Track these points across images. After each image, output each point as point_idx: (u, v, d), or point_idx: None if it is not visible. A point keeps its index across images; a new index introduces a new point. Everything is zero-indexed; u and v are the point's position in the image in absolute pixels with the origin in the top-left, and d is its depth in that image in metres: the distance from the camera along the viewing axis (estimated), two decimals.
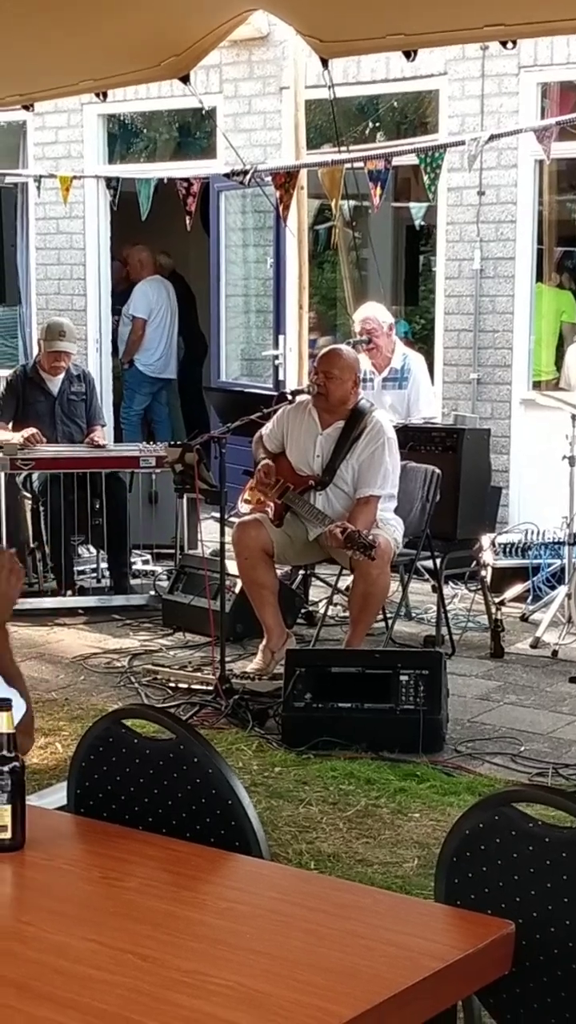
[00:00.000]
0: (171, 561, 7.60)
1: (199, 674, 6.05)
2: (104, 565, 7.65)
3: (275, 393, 7.59)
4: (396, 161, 7.37)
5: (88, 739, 2.58)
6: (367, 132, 10.13)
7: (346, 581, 6.45)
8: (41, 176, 9.33)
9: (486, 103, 8.64)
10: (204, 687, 5.83)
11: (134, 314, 10.88)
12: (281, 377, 9.26)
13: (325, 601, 6.87)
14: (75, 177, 9.17)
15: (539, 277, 9.00)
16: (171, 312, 11.04)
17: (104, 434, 8.03)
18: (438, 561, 6.62)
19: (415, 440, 6.93)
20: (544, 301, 9.08)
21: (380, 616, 6.37)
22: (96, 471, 7.46)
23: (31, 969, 1.90)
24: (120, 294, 11.13)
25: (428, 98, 9.40)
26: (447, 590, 6.98)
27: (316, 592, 7.24)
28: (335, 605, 6.89)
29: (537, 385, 8.84)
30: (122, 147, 11.15)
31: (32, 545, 7.59)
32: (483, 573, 7.01)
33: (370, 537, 5.69)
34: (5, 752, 2.30)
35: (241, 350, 10.19)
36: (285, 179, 7.43)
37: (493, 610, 6.70)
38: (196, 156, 10.74)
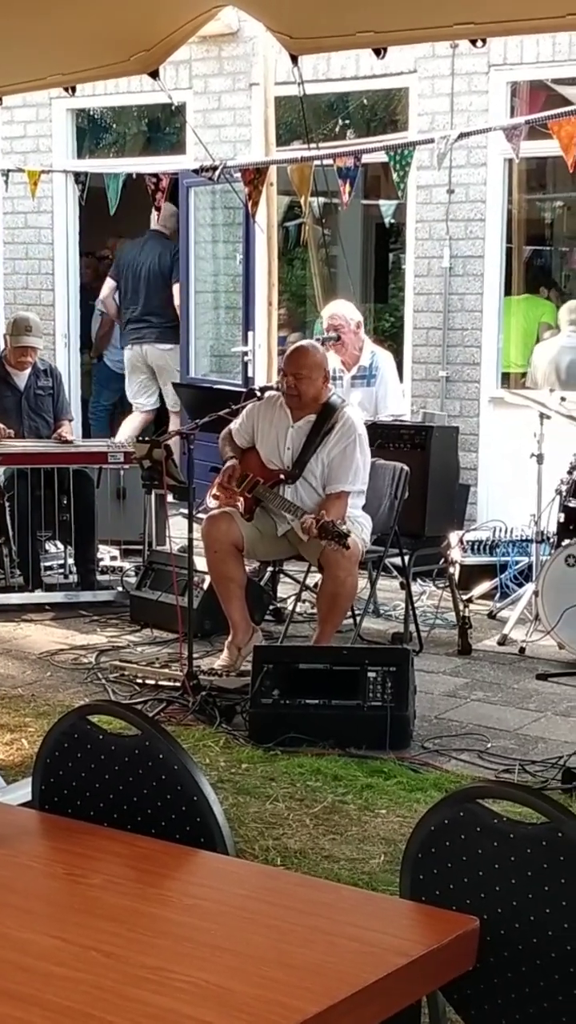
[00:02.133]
0: (139, 557, 7.59)
1: (166, 670, 6.04)
2: (71, 561, 7.62)
3: (244, 389, 7.58)
4: (366, 158, 7.37)
5: (54, 735, 2.57)
6: (337, 129, 10.14)
7: (314, 578, 6.46)
8: (9, 170, 9.29)
9: (456, 101, 8.66)
10: (171, 683, 5.82)
11: (102, 310, 10.85)
12: (250, 374, 9.25)
13: (293, 598, 6.87)
14: (43, 171, 9.14)
15: (508, 276, 9.02)
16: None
17: (72, 429, 8.01)
18: (406, 558, 6.62)
19: (384, 437, 6.94)
20: (523, 307, 9.10)
21: (348, 613, 6.37)
22: (64, 466, 7.43)
23: None
24: (92, 289, 11.10)
25: (398, 96, 9.42)
26: (415, 587, 6.99)
27: (284, 589, 7.24)
28: (303, 602, 6.89)
29: (506, 377, 8.86)
30: (91, 142, 11.13)
31: None
32: (451, 570, 7.03)
33: (344, 526, 5.68)
34: None
35: (210, 346, 10.18)
36: (254, 175, 7.42)
37: (461, 607, 6.71)
38: (165, 151, 10.73)
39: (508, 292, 9.06)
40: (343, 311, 7.69)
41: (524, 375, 8.91)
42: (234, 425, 6.40)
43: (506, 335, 8.94)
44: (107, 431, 10.40)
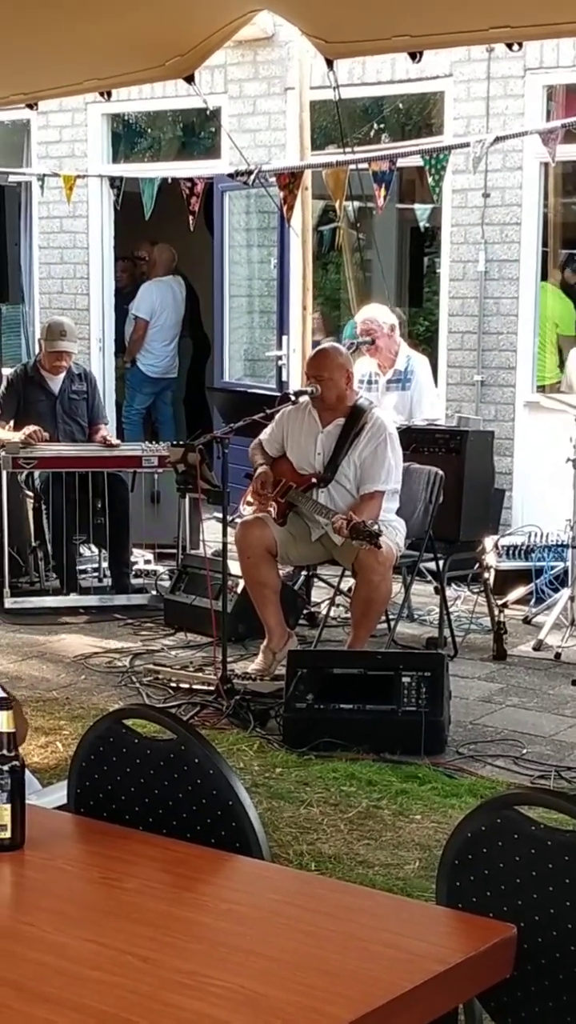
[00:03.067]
0: (173, 561, 7.60)
1: (200, 674, 6.04)
2: (106, 564, 7.64)
3: (278, 394, 7.58)
4: (401, 163, 7.36)
5: (89, 739, 2.57)
6: (372, 133, 10.12)
7: (349, 582, 6.44)
8: (45, 175, 9.33)
9: (491, 105, 8.63)
10: (205, 687, 5.82)
11: (136, 314, 10.89)
12: (284, 378, 9.25)
13: (327, 602, 6.86)
14: (79, 176, 9.17)
15: (544, 279, 8.98)
16: (177, 315, 11.04)
17: (110, 432, 8.03)
18: (441, 563, 6.60)
19: (418, 441, 6.92)
20: (548, 303, 9.06)
21: (382, 618, 6.36)
22: (98, 470, 7.45)
23: (30, 969, 1.89)
24: (127, 294, 11.13)
25: (433, 100, 9.39)
26: (450, 592, 6.97)
27: (318, 593, 7.23)
28: (337, 606, 6.88)
29: (541, 389, 8.83)
30: (126, 146, 11.15)
31: (34, 544, 7.59)
32: (486, 575, 7.00)
33: (375, 527, 5.67)
34: (5, 751, 2.29)
35: (244, 350, 10.19)
36: (289, 180, 7.42)
37: (496, 612, 6.69)
38: (200, 156, 10.74)
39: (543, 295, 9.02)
40: (376, 315, 7.68)
41: (558, 383, 8.87)
42: (264, 435, 6.41)
43: (541, 340, 8.90)
44: (141, 435, 10.42)
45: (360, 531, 5.62)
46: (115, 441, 7.74)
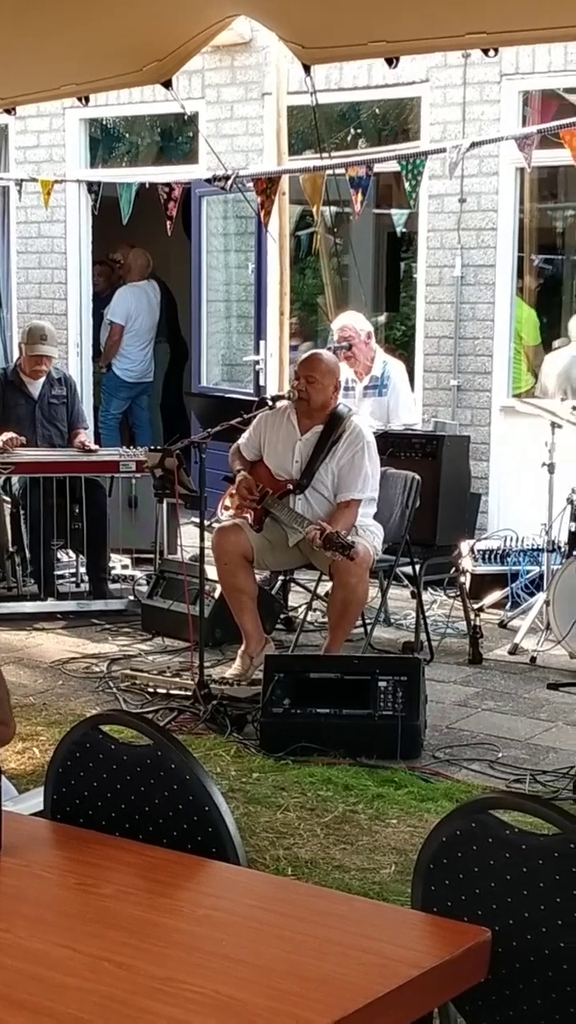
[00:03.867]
0: (150, 566, 7.59)
1: (178, 679, 6.04)
2: (83, 570, 7.63)
3: (256, 399, 7.58)
4: (378, 168, 7.37)
5: (65, 744, 2.57)
6: (349, 139, 10.14)
7: (325, 587, 6.46)
8: (22, 180, 9.31)
9: (468, 111, 8.66)
10: (183, 692, 5.82)
11: (111, 319, 10.88)
12: (262, 383, 9.26)
13: (304, 607, 6.87)
14: (56, 181, 9.15)
15: (520, 285, 9.02)
16: (152, 320, 11.04)
17: (89, 437, 8.03)
18: (417, 567, 6.62)
19: (395, 446, 6.94)
20: (523, 310, 9.10)
21: (359, 622, 6.37)
22: (76, 475, 7.44)
23: (5, 976, 1.89)
24: (105, 298, 11.12)
25: (410, 105, 9.42)
26: (426, 596, 6.98)
27: (295, 598, 7.24)
28: (314, 611, 6.89)
29: (516, 396, 8.85)
30: (104, 151, 11.14)
31: (11, 549, 7.57)
32: (462, 579, 7.02)
33: (348, 538, 5.69)
34: None
35: (222, 355, 10.19)
36: (267, 185, 7.43)
37: (472, 616, 6.71)
38: (178, 161, 10.74)
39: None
40: (353, 322, 7.70)
41: (531, 389, 8.90)
42: (242, 440, 6.42)
43: (516, 346, 8.93)
44: (117, 440, 10.41)
45: (333, 542, 5.64)
46: (93, 446, 7.74)
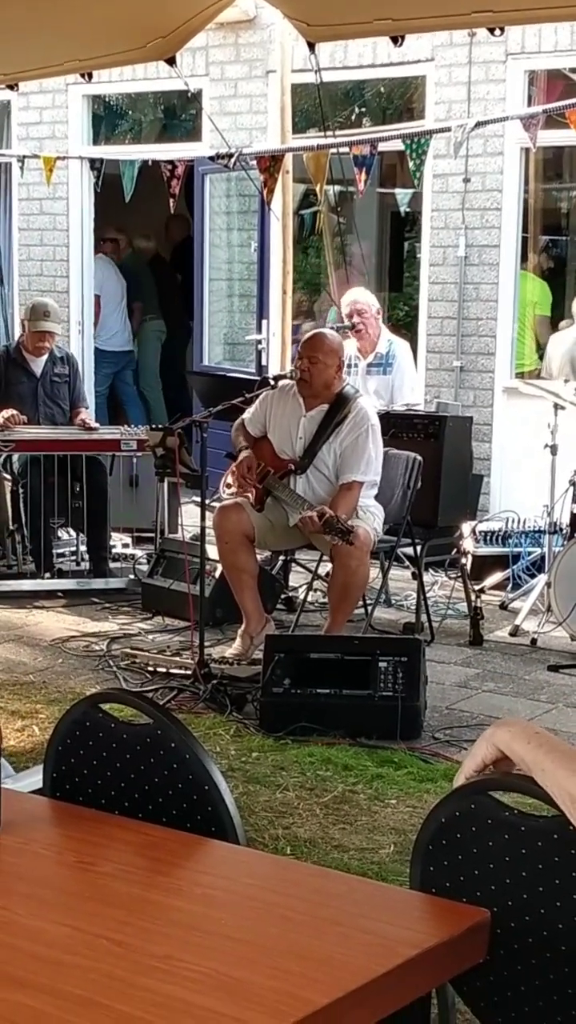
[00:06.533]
0: (151, 545, 7.59)
1: (178, 658, 6.04)
2: (83, 548, 7.63)
3: (258, 378, 7.57)
4: (382, 147, 7.35)
5: (65, 723, 2.57)
6: (353, 117, 10.10)
7: (326, 567, 6.46)
8: (25, 156, 9.29)
9: (473, 90, 8.63)
10: (183, 671, 5.83)
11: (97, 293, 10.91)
12: (264, 362, 9.24)
13: (305, 587, 6.87)
14: (59, 158, 9.12)
15: (523, 265, 9.00)
16: (120, 285, 11.12)
17: (90, 416, 8.02)
18: (418, 548, 6.62)
19: (397, 427, 6.93)
20: (527, 289, 9.07)
21: (360, 602, 6.37)
22: (77, 454, 7.43)
23: (3, 954, 1.89)
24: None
25: (415, 84, 9.38)
26: (427, 577, 6.98)
27: (296, 578, 7.23)
28: (315, 591, 6.89)
29: (520, 375, 8.84)
30: (107, 128, 11.11)
31: (11, 527, 7.57)
32: (463, 561, 7.02)
33: (348, 523, 5.68)
34: None
35: (224, 334, 10.17)
36: (270, 163, 7.40)
37: (473, 598, 6.71)
38: (181, 138, 10.71)
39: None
40: (363, 297, 7.70)
41: (537, 370, 8.88)
42: (247, 415, 6.40)
43: (520, 326, 8.91)
44: (105, 417, 10.41)
45: (333, 527, 5.62)
46: (94, 424, 7.73)
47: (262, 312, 9.32)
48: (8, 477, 7.62)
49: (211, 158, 8.12)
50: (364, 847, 4.23)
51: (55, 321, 7.75)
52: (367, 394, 6.97)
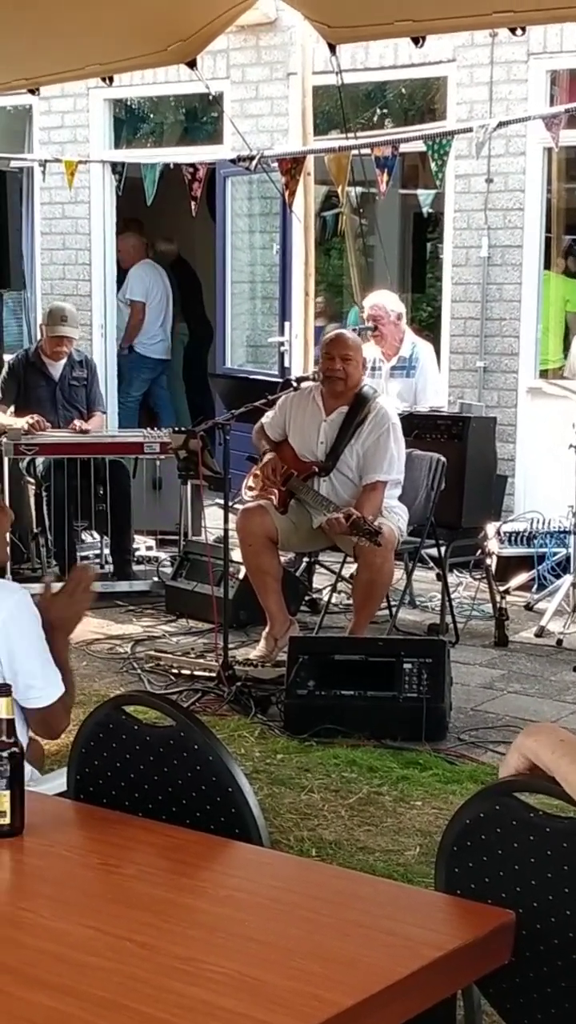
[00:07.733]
0: (174, 547, 7.59)
1: (202, 661, 6.04)
2: (107, 551, 7.64)
3: (280, 380, 7.57)
4: (403, 148, 7.33)
5: (89, 725, 2.57)
6: (375, 118, 10.09)
7: (350, 568, 6.44)
8: (46, 160, 9.31)
9: (495, 90, 8.60)
10: (207, 674, 5.82)
11: (131, 298, 10.88)
12: (286, 364, 9.24)
13: (329, 588, 6.86)
14: (80, 162, 9.15)
15: (547, 265, 8.97)
16: (167, 294, 11.06)
17: (103, 421, 8.00)
18: (443, 549, 6.60)
19: (420, 428, 6.91)
20: (551, 288, 9.05)
21: (384, 604, 6.36)
22: (100, 457, 7.44)
23: (28, 955, 1.90)
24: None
25: (436, 85, 9.37)
26: (452, 578, 6.96)
27: (320, 579, 7.23)
28: (339, 592, 6.88)
29: (544, 374, 8.82)
30: (128, 132, 11.12)
31: (35, 530, 7.58)
32: (488, 561, 7.00)
33: (376, 524, 5.67)
34: (4, 738, 2.29)
35: (246, 336, 10.17)
36: (292, 165, 7.40)
37: (497, 599, 6.69)
38: (202, 141, 10.71)
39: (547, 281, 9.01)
40: (383, 302, 7.67)
41: (561, 368, 8.85)
42: (266, 419, 6.40)
43: (544, 325, 8.88)
44: (135, 423, 10.40)
45: (360, 528, 5.61)
46: (85, 427, 7.62)
47: (284, 314, 9.32)
48: (32, 481, 7.64)
49: (233, 161, 8.12)
50: (389, 849, 4.22)
51: (72, 325, 7.75)
52: (390, 396, 6.96)
